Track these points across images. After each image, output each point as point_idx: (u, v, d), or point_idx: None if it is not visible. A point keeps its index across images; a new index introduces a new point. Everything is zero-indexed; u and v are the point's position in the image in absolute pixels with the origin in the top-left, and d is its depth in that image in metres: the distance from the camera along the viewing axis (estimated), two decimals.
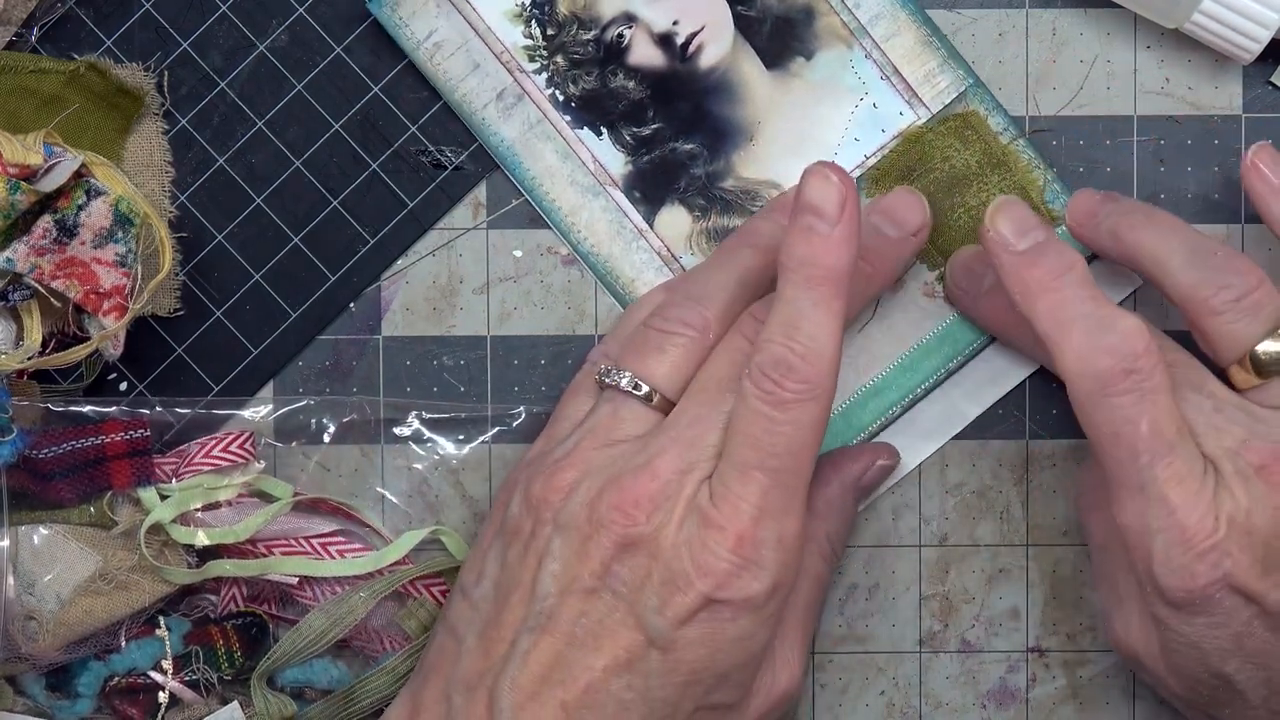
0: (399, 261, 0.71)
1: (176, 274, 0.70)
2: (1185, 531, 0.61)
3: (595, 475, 0.62)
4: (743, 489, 0.60)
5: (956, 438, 0.71)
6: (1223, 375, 0.65)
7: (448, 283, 0.71)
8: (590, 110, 0.70)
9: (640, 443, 0.63)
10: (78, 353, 0.65)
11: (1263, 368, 0.64)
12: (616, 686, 0.61)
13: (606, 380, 0.64)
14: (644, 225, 0.70)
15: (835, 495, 0.68)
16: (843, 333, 0.61)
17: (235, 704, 0.69)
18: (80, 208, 0.64)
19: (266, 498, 0.70)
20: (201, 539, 0.68)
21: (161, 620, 0.69)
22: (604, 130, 0.70)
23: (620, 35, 0.70)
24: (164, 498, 0.68)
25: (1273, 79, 0.70)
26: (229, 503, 0.69)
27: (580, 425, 0.64)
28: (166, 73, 0.70)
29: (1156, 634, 0.64)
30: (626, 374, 0.64)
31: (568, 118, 0.70)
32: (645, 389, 0.64)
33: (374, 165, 0.70)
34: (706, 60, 0.70)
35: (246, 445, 0.69)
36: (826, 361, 0.61)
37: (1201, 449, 0.62)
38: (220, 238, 0.70)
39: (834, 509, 0.68)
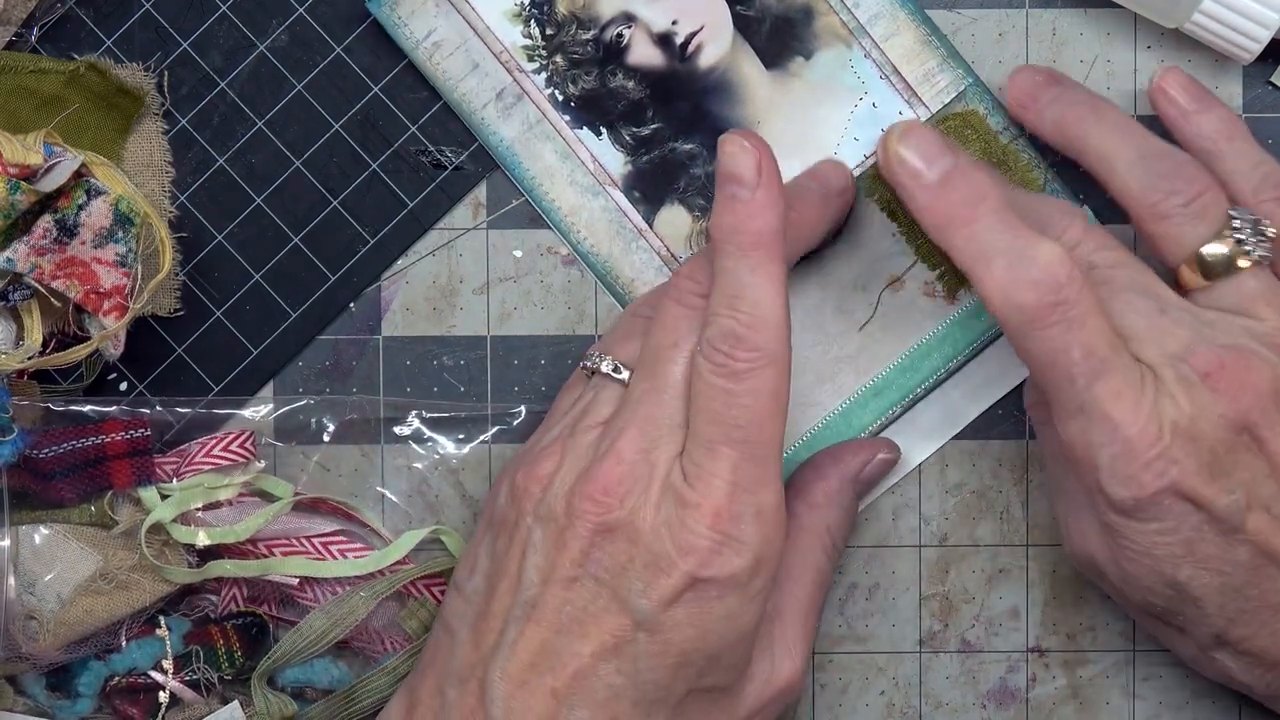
0: (399, 261, 0.71)
1: (176, 274, 0.70)
2: (1129, 443, 0.61)
3: (571, 464, 0.62)
4: (713, 465, 0.60)
5: (956, 438, 0.71)
6: (1170, 278, 0.65)
7: (448, 283, 0.71)
8: (590, 110, 0.70)
9: (605, 430, 0.63)
10: (78, 353, 0.65)
11: (1209, 269, 0.64)
12: (606, 671, 0.61)
13: (589, 365, 0.65)
14: (644, 225, 0.70)
15: (835, 488, 0.68)
16: (786, 294, 0.61)
17: (235, 704, 0.69)
18: (80, 207, 0.64)
19: (267, 497, 0.70)
20: (202, 539, 0.68)
21: (162, 620, 0.69)
22: (603, 130, 0.70)
23: (619, 35, 0.70)
24: (164, 497, 0.68)
25: (1273, 79, 0.70)
26: (230, 502, 0.69)
27: (567, 414, 0.65)
28: (166, 73, 0.70)
29: (1113, 545, 0.64)
30: (607, 359, 0.64)
31: (567, 117, 0.70)
32: (626, 372, 0.64)
33: (374, 165, 0.70)
34: (706, 60, 0.70)
35: (247, 445, 0.69)
36: (774, 326, 0.61)
37: (1143, 355, 0.62)
38: (220, 238, 0.71)
39: (834, 502, 0.68)
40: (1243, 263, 0.63)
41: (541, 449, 0.64)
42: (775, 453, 0.61)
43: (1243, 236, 0.63)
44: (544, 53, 0.70)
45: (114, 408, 0.69)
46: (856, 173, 0.70)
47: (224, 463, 0.69)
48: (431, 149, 0.71)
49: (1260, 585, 0.63)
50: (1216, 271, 0.64)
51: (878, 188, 0.70)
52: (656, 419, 0.62)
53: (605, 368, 0.64)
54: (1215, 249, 0.64)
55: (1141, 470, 0.61)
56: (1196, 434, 0.61)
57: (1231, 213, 0.64)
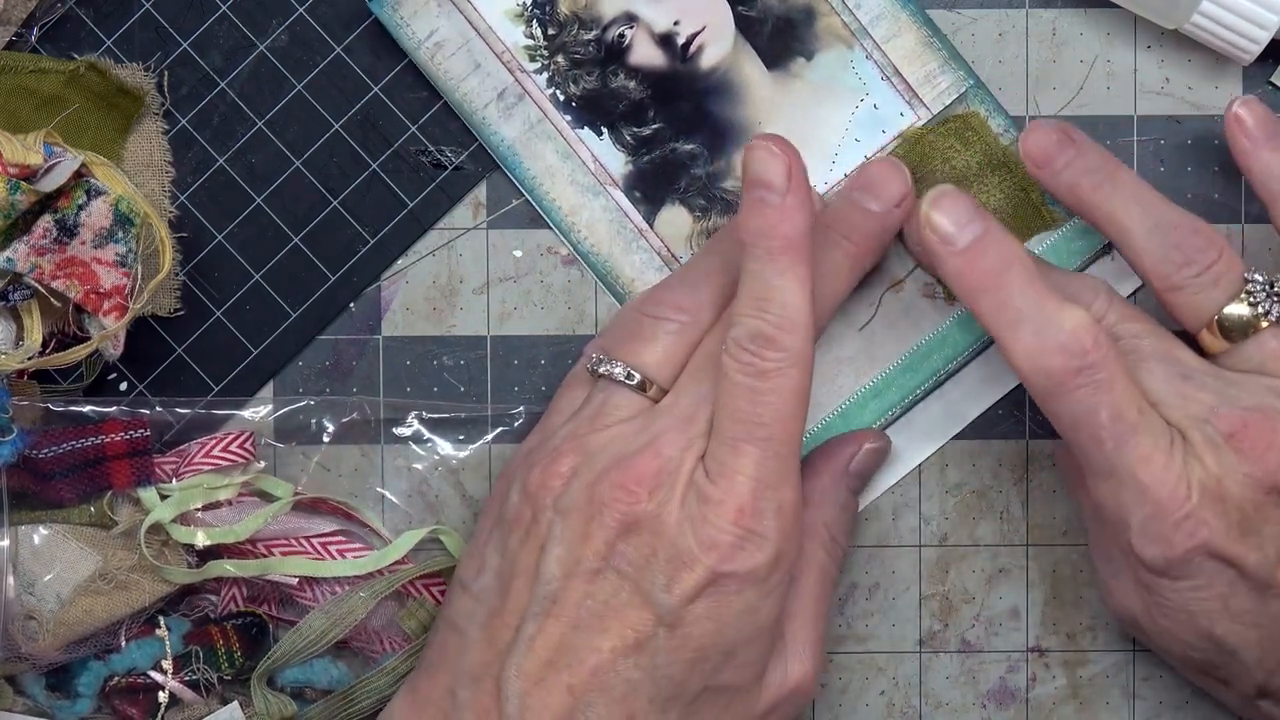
0: (399, 261, 0.71)
1: (176, 274, 0.70)
2: (1159, 505, 0.62)
3: (593, 460, 0.63)
4: (737, 462, 0.61)
5: (956, 438, 0.71)
6: (1193, 341, 0.65)
7: (448, 283, 0.71)
8: (591, 110, 0.70)
9: (639, 425, 0.63)
10: (78, 353, 0.65)
11: (1229, 332, 0.65)
12: (624, 667, 0.61)
13: (599, 370, 0.65)
14: (644, 225, 0.70)
15: (828, 484, 0.68)
16: (812, 295, 0.62)
17: (235, 704, 0.69)
18: (80, 207, 0.64)
19: (267, 497, 0.70)
20: (201, 539, 0.68)
21: (161, 620, 0.69)
22: (604, 130, 0.70)
23: (621, 35, 0.70)
24: (164, 497, 0.68)
25: (1273, 79, 0.70)
26: (229, 502, 0.69)
27: (575, 415, 0.65)
28: (166, 73, 0.70)
29: (1148, 600, 0.65)
30: (619, 364, 0.64)
31: (568, 117, 0.70)
32: (638, 377, 0.64)
33: (374, 165, 0.70)
34: (707, 60, 0.70)
35: (247, 445, 0.69)
36: (801, 328, 0.61)
37: (1169, 418, 0.63)
38: (220, 238, 0.70)
39: (828, 497, 0.68)
40: (1263, 323, 0.64)
41: (556, 448, 0.64)
42: (796, 451, 0.62)
43: (1258, 299, 0.64)
44: (545, 53, 0.70)
45: (114, 408, 0.69)
46: None
47: (224, 463, 0.69)
48: (431, 149, 0.70)
49: None
50: (1237, 333, 0.64)
51: None
52: (699, 422, 0.63)
53: (618, 374, 0.64)
54: (1235, 310, 0.64)
55: (1172, 531, 0.62)
56: (1224, 494, 0.62)
57: (1246, 275, 0.64)
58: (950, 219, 0.64)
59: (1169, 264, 0.65)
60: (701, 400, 0.63)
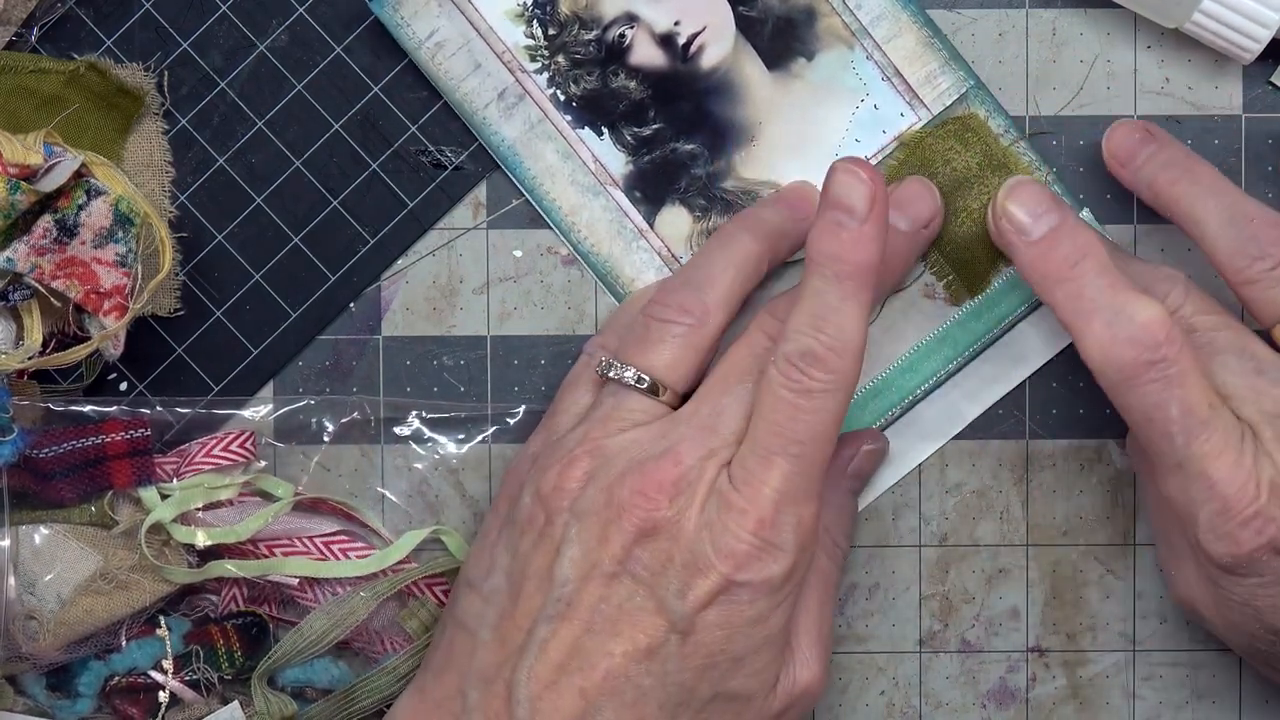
0: (399, 261, 0.71)
1: (176, 274, 0.70)
2: (1227, 501, 0.62)
3: (610, 464, 0.63)
4: (765, 473, 0.61)
5: (956, 438, 0.71)
6: (1267, 336, 0.65)
7: (448, 283, 0.71)
8: (591, 110, 0.70)
9: (658, 430, 0.63)
10: (78, 353, 0.65)
11: None
12: (635, 672, 0.61)
13: (609, 375, 0.65)
14: (644, 225, 0.70)
15: (826, 487, 0.68)
16: (867, 325, 0.62)
17: (235, 704, 0.69)
18: (80, 207, 0.64)
19: (268, 497, 0.70)
20: (202, 539, 0.68)
21: (162, 620, 0.69)
22: (605, 130, 0.70)
23: (622, 35, 0.70)
24: (165, 497, 0.68)
25: (1273, 79, 0.70)
26: (230, 502, 0.69)
27: (586, 418, 0.65)
28: (166, 73, 0.70)
29: (1213, 592, 0.65)
30: (630, 368, 0.64)
31: (569, 117, 0.70)
32: (648, 381, 0.64)
33: (374, 165, 0.70)
34: (708, 61, 0.70)
35: (247, 444, 0.69)
36: (853, 354, 0.62)
37: (1240, 413, 0.63)
38: (220, 238, 0.70)
39: (827, 501, 0.68)
40: None
41: (571, 451, 0.64)
42: (822, 470, 0.62)
43: None
44: (546, 53, 0.70)
45: (114, 408, 0.69)
46: None
47: (224, 463, 0.69)
48: (431, 149, 0.70)
49: None
50: None
51: None
52: (722, 432, 0.63)
53: (628, 378, 0.64)
54: None
55: (1239, 528, 0.62)
56: None
57: None
58: (1025, 209, 0.64)
59: (1244, 257, 0.64)
60: (723, 412, 0.63)
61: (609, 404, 0.65)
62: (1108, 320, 0.62)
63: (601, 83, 0.70)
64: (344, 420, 0.71)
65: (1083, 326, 0.62)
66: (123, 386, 0.71)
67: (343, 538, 0.70)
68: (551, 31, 0.70)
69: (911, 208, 0.68)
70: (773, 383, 0.62)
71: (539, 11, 0.69)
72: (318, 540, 0.69)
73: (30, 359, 0.65)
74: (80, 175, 0.64)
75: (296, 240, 0.70)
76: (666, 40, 0.70)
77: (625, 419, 0.64)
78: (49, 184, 0.63)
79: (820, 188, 0.63)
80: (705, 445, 0.62)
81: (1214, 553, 0.63)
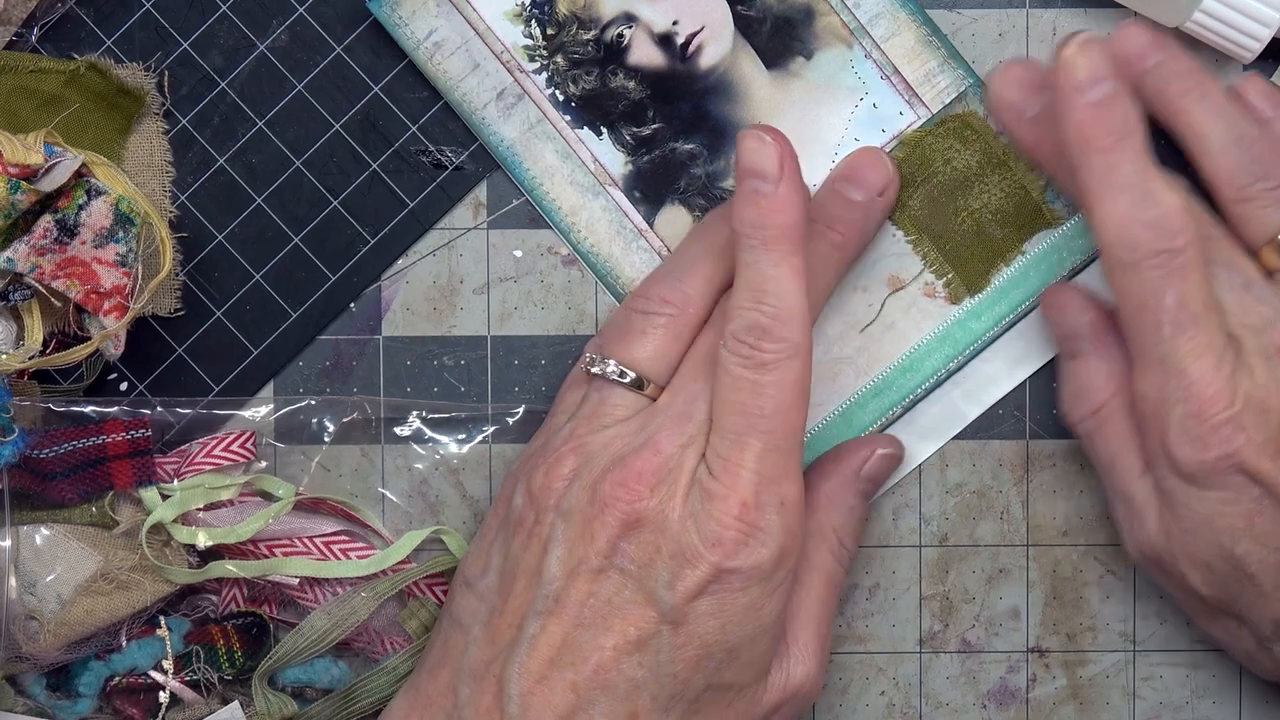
0: (399, 261, 0.71)
1: (177, 274, 0.70)
2: (1202, 403, 0.62)
3: (594, 460, 0.63)
4: (739, 456, 0.61)
5: (956, 438, 0.71)
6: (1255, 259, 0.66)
7: (448, 283, 0.71)
8: (590, 110, 0.70)
9: (637, 423, 0.64)
10: (78, 353, 0.65)
11: None
12: (627, 665, 0.61)
13: (593, 370, 0.65)
14: (644, 225, 0.70)
15: (836, 488, 0.68)
16: (806, 285, 0.62)
17: (236, 704, 0.69)
18: (81, 207, 0.64)
19: (269, 498, 0.70)
20: (203, 539, 0.68)
21: (162, 620, 0.69)
22: (604, 130, 0.70)
23: (620, 35, 0.70)
24: (165, 497, 0.68)
25: (1273, 79, 0.70)
26: (231, 502, 0.69)
27: (574, 415, 0.65)
28: (167, 73, 0.70)
29: (1172, 520, 0.64)
30: (611, 361, 0.65)
31: (568, 117, 0.70)
32: (631, 375, 0.64)
33: (374, 165, 0.70)
34: (706, 60, 0.70)
35: (247, 444, 0.69)
36: (798, 317, 0.62)
37: (1226, 325, 0.63)
38: (220, 238, 0.71)
39: (836, 503, 0.68)
40: None
41: (557, 450, 0.64)
42: (798, 444, 0.62)
43: None
44: (545, 53, 0.70)
45: (115, 408, 0.69)
46: None
47: (225, 463, 0.69)
48: (431, 149, 0.71)
49: None
50: None
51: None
52: (696, 419, 0.63)
53: (610, 372, 0.64)
54: None
55: (1210, 433, 0.62)
56: (1268, 407, 0.62)
57: None
58: (1090, 69, 0.63)
59: (1245, 175, 0.65)
60: (697, 397, 0.63)
61: (594, 400, 0.65)
62: (1134, 200, 0.62)
63: (600, 83, 0.70)
64: (344, 420, 0.71)
65: (1107, 201, 0.62)
66: (123, 387, 0.71)
67: (343, 538, 0.70)
68: (550, 31, 0.70)
69: (863, 176, 0.68)
70: (726, 364, 0.62)
71: (537, 11, 0.69)
72: (318, 540, 0.69)
73: (30, 359, 0.65)
74: (80, 175, 0.64)
75: (296, 240, 0.71)
76: (665, 40, 0.70)
77: (609, 415, 0.64)
78: (49, 184, 0.63)
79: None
80: (683, 433, 0.62)
81: (1180, 456, 0.62)
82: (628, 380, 0.64)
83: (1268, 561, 0.63)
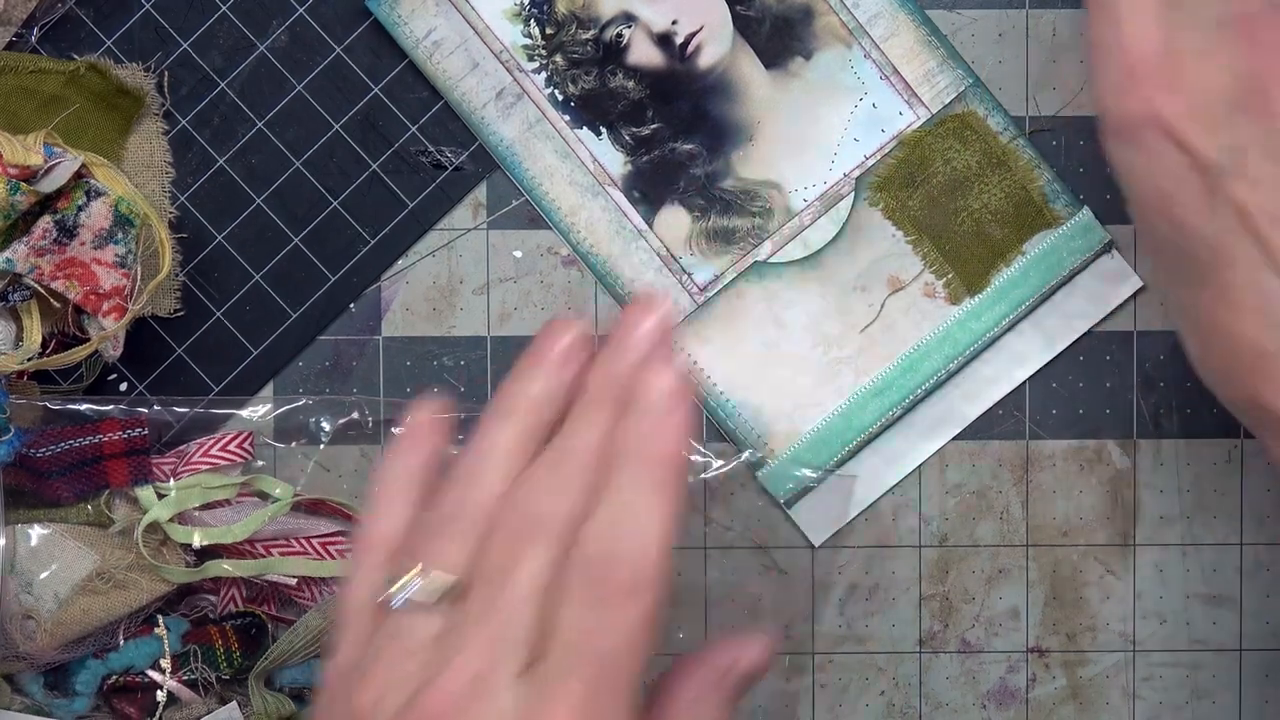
0: (399, 262, 0.71)
1: (176, 274, 0.70)
2: (1127, 55, 0.58)
3: (394, 690, 0.53)
4: (563, 693, 0.51)
5: (956, 438, 0.71)
6: None
7: (448, 283, 0.71)
8: (589, 110, 0.70)
9: (436, 646, 0.53)
10: (78, 353, 0.65)
11: None
12: None
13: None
14: (644, 225, 0.70)
15: (692, 696, 0.58)
16: (675, 527, 0.53)
17: (233, 704, 0.69)
18: (80, 208, 0.64)
19: (266, 498, 0.70)
20: (198, 539, 0.68)
21: (160, 620, 0.69)
22: (603, 130, 0.70)
23: (619, 35, 0.70)
24: (162, 496, 0.68)
25: None
26: (229, 502, 0.69)
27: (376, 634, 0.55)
28: (166, 73, 0.70)
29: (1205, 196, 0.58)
30: (411, 579, 0.54)
31: (567, 117, 0.70)
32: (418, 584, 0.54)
33: (374, 165, 0.70)
34: (706, 60, 0.70)
35: (245, 444, 0.69)
36: (658, 553, 0.53)
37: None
38: (220, 238, 0.71)
39: (695, 712, 0.57)
40: None
41: (362, 674, 0.54)
42: (634, 683, 0.53)
43: None
44: (544, 52, 0.70)
45: (111, 407, 0.69)
46: (857, 174, 0.70)
47: (222, 463, 0.69)
48: (431, 149, 0.71)
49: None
50: None
51: (881, 196, 0.70)
52: (501, 637, 0.52)
53: (412, 592, 0.54)
54: None
55: (1134, 85, 0.57)
56: (1206, 82, 0.57)
57: None
58: None
59: None
60: (495, 611, 0.53)
61: (400, 623, 0.54)
62: None
63: (599, 82, 0.70)
64: (343, 420, 0.71)
65: None
66: (123, 387, 0.71)
67: (341, 539, 0.70)
68: (549, 31, 0.70)
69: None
70: (571, 593, 0.52)
71: (536, 11, 0.69)
72: (315, 541, 0.69)
73: (30, 360, 0.65)
74: (80, 176, 0.64)
75: (296, 240, 0.71)
76: (664, 40, 0.70)
77: (415, 634, 0.54)
78: (49, 185, 0.63)
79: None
80: (483, 656, 0.52)
81: (1101, 109, 0.58)
82: (426, 597, 0.54)
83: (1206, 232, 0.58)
